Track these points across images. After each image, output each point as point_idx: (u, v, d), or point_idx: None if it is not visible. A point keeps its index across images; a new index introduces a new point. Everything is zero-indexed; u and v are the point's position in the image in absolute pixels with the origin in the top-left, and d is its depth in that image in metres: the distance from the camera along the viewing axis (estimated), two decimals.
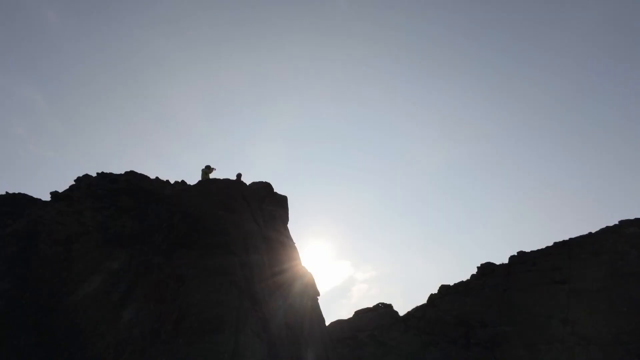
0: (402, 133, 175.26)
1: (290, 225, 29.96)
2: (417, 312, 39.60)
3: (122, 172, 22.10)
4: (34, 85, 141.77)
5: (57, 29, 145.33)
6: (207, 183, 20.96)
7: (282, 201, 26.50)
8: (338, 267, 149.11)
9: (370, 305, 46.90)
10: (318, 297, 37.09)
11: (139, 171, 21.97)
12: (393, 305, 44.08)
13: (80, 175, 21.57)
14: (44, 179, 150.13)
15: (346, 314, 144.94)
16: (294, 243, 31.99)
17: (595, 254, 34.12)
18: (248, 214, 19.82)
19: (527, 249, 37.80)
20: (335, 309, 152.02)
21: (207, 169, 34.31)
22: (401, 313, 41.37)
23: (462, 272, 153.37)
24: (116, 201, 19.55)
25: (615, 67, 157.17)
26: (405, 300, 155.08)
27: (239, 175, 35.35)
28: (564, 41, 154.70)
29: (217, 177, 28.12)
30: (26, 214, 18.78)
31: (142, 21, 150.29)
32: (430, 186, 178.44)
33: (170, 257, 15.74)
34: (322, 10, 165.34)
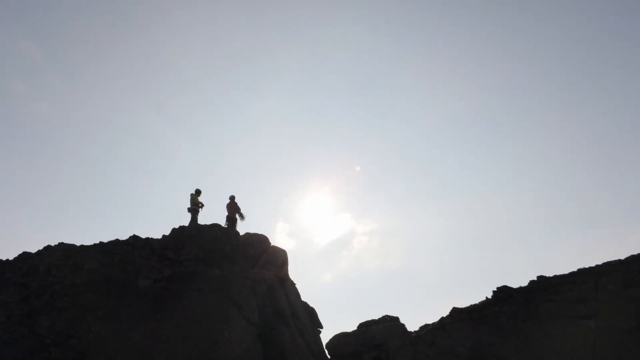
0: (410, 79, 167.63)
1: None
2: (427, 336, 37.15)
3: (92, 244, 18.66)
4: (30, 38, 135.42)
5: None
6: (189, 278, 17.52)
7: (279, 259, 23.16)
8: (338, 220, 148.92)
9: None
10: (321, 330, 34.53)
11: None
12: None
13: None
14: (45, 135, 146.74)
15: (347, 265, 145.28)
16: (294, 284, 29.08)
17: (625, 286, 31.16)
18: (239, 321, 16.60)
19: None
20: (337, 260, 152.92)
21: (197, 193, 30.94)
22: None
23: (461, 225, 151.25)
24: (79, 300, 16.30)
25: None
26: (406, 253, 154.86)
27: (232, 198, 32.10)
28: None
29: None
30: None
31: None
32: (438, 136, 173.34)
33: None
34: None
